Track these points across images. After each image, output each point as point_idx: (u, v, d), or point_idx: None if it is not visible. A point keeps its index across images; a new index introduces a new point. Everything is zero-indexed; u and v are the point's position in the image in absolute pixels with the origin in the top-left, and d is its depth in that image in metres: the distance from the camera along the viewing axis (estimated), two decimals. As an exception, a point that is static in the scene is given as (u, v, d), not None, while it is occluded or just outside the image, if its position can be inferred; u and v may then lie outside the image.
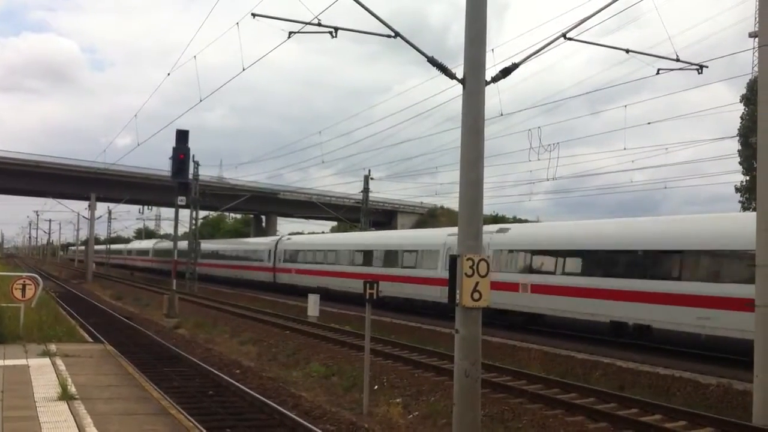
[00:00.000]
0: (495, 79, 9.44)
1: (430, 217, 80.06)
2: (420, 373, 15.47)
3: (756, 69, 13.71)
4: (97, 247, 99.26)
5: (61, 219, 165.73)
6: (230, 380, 14.33)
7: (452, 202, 70.56)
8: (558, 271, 21.29)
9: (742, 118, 43.02)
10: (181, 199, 34.12)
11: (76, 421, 8.43)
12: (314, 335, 21.65)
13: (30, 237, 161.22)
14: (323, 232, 77.16)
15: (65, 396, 9.63)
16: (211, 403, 12.51)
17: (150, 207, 73.96)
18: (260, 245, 48.20)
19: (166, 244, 67.37)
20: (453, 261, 8.83)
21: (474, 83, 8.87)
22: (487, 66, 9.06)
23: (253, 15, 10.45)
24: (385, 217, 78.51)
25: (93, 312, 30.10)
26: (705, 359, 16.63)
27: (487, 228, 20.24)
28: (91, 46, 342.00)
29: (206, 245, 57.88)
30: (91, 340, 18.02)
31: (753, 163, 34.59)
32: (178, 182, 31.15)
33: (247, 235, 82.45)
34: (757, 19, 13.00)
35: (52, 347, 14.52)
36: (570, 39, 10.07)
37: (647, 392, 13.40)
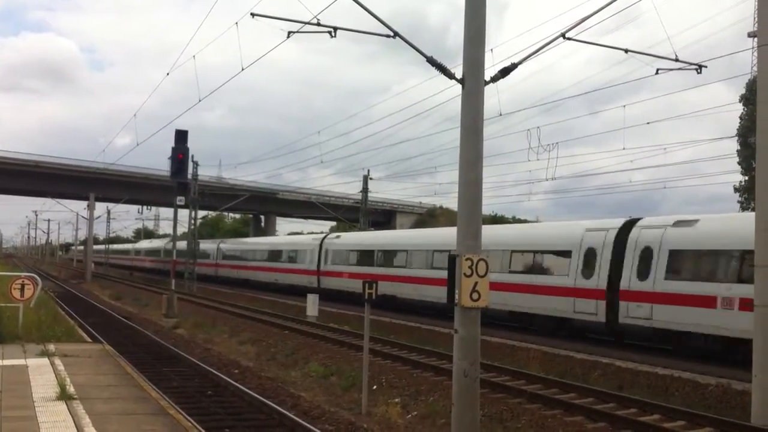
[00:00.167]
0: (494, 79, 9.44)
1: (429, 217, 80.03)
2: (419, 373, 15.47)
3: (755, 69, 13.71)
4: (99, 247, 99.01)
5: (60, 219, 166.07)
6: (229, 380, 14.32)
7: (451, 202, 70.63)
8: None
9: (741, 118, 43.06)
10: (180, 199, 34.10)
11: (74, 421, 8.43)
12: (313, 335, 21.65)
13: (29, 237, 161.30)
14: (321, 232, 77.13)
15: (64, 396, 9.62)
16: (210, 403, 12.50)
17: (149, 207, 73.99)
18: (301, 245, 42.09)
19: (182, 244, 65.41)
20: (452, 261, 8.83)
21: (473, 83, 8.87)
22: (486, 66, 9.06)
23: (253, 15, 10.45)
24: (384, 217, 78.49)
25: (92, 312, 30.09)
26: (704, 359, 16.63)
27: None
28: (91, 45, 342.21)
29: (230, 245, 55.69)
30: (89, 340, 18.01)
31: (752, 163, 34.65)
32: (177, 182, 31.14)
33: (246, 235, 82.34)
34: (756, 18, 13.01)
35: (51, 347, 14.52)
36: (569, 39, 10.07)
37: (646, 392, 13.41)
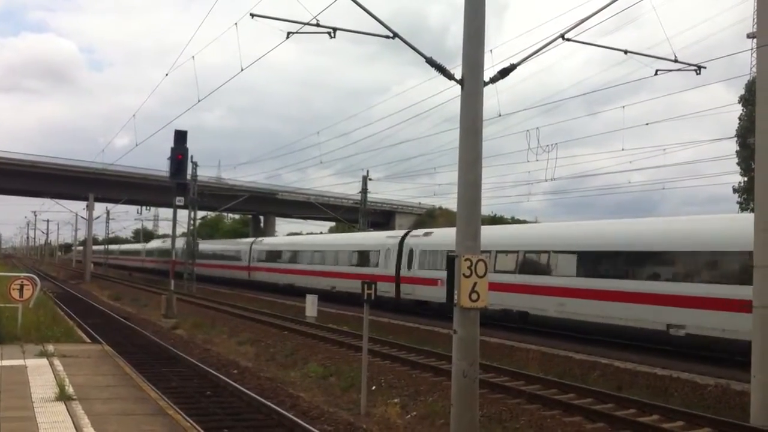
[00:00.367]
0: (493, 80, 9.44)
1: (428, 218, 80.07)
2: (418, 373, 15.47)
3: (754, 70, 13.72)
4: (108, 247, 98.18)
5: (59, 219, 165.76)
6: (228, 380, 14.32)
7: (451, 203, 70.65)
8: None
9: (740, 118, 43.07)
10: (180, 200, 34.10)
11: (73, 422, 8.42)
12: (312, 335, 21.65)
13: (28, 237, 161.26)
14: (321, 232, 77.13)
15: (63, 396, 9.62)
16: (209, 404, 12.50)
17: (148, 207, 74.00)
18: (372, 244, 33.43)
19: (207, 246, 59.32)
20: (451, 261, 8.83)
21: (472, 84, 8.88)
22: (485, 67, 9.07)
23: (252, 15, 10.44)
24: (383, 217, 78.55)
25: (91, 312, 30.07)
26: (703, 360, 16.64)
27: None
28: (90, 46, 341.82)
29: (270, 245, 47.58)
30: (88, 340, 18.00)
31: (751, 163, 34.67)
32: (176, 183, 31.13)
33: (246, 236, 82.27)
34: (756, 19, 13.02)
35: (50, 347, 14.51)
36: (568, 40, 10.07)
37: (645, 393, 13.41)
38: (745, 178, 42.99)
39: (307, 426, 10.56)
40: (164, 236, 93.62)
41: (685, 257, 18.08)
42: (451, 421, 8.95)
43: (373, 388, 13.85)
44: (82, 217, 73.31)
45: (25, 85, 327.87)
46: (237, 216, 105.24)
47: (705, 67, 11.88)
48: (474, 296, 8.64)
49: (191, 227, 49.76)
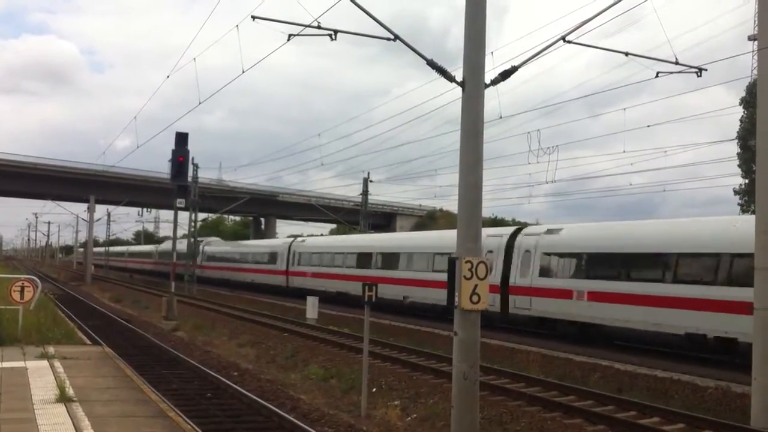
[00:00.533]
0: (494, 82, 9.46)
1: (429, 220, 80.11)
2: (418, 375, 15.46)
3: (755, 72, 13.73)
4: (114, 249, 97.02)
5: (60, 221, 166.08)
6: (228, 382, 14.31)
7: (451, 205, 70.65)
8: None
9: (741, 121, 43.11)
10: (180, 202, 34.12)
11: (74, 424, 8.42)
12: (313, 337, 21.64)
13: (29, 239, 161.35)
14: (321, 234, 77.11)
15: (63, 398, 9.62)
16: (210, 406, 12.49)
17: (149, 209, 74.06)
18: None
19: (225, 248, 56.58)
20: (452, 264, 8.84)
21: (473, 86, 8.88)
22: (486, 69, 9.08)
23: (253, 17, 10.45)
24: (384, 219, 78.62)
25: (92, 314, 30.07)
26: (703, 362, 16.63)
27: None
28: (91, 48, 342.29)
29: (315, 246, 40.01)
30: (89, 342, 17.99)
31: (752, 165, 34.66)
32: (177, 185, 31.16)
33: (247, 238, 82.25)
34: (757, 22, 13.02)
35: (51, 349, 14.51)
36: (569, 42, 10.09)
37: (645, 395, 13.40)
38: (746, 180, 43.02)
39: (307, 428, 10.55)
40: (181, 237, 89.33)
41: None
42: (451, 423, 8.95)
43: (374, 390, 13.84)
44: (83, 219, 73.34)
45: (26, 86, 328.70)
46: (238, 218, 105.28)
47: (706, 70, 11.89)
48: (475, 298, 8.65)
49: (192, 229, 49.75)
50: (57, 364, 12.78)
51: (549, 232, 23.21)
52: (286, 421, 11.11)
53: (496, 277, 23.08)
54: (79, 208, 76.15)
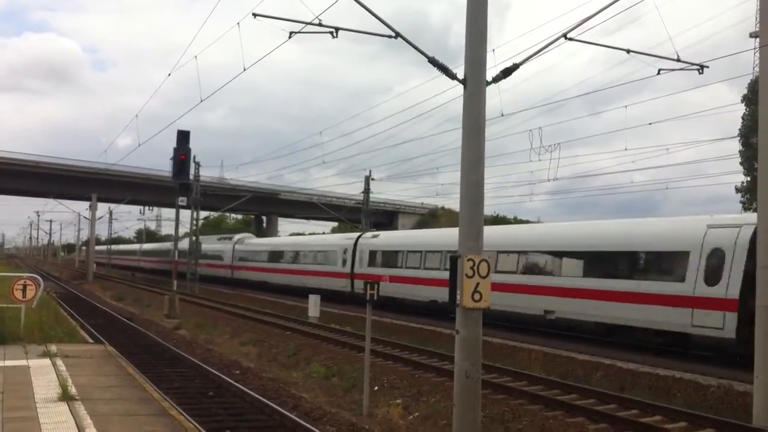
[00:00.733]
0: (496, 80, 9.44)
1: (431, 218, 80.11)
2: (420, 374, 15.46)
3: (757, 69, 13.69)
4: (123, 247, 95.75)
5: (62, 219, 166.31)
6: (230, 381, 14.32)
7: (453, 203, 70.52)
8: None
9: (743, 118, 43.00)
10: (182, 200, 34.15)
11: (76, 422, 8.43)
12: (315, 336, 21.65)
13: (30, 237, 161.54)
14: (323, 233, 77.08)
15: (65, 397, 9.62)
16: (212, 404, 12.50)
17: (151, 207, 74.11)
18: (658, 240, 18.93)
19: (263, 246, 48.64)
20: (453, 262, 8.83)
21: (475, 84, 8.87)
22: (488, 66, 9.07)
23: (254, 15, 10.45)
24: (386, 217, 78.61)
25: (94, 313, 30.11)
26: (705, 360, 16.61)
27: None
28: (93, 46, 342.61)
29: (394, 241, 32.37)
30: (91, 340, 18.01)
31: (754, 163, 34.58)
32: (178, 183, 31.18)
33: None
34: (758, 19, 12.98)
35: (53, 348, 14.52)
36: (571, 39, 10.06)
37: (648, 393, 13.39)
38: (748, 178, 42.93)
39: (309, 427, 10.56)
40: (225, 232, 76.66)
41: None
42: (453, 421, 8.94)
43: (376, 388, 13.84)
44: (84, 217, 73.48)
45: (28, 85, 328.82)
46: (239, 216, 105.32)
47: (707, 67, 11.86)
48: (476, 296, 8.64)
49: (194, 227, 49.74)
50: (59, 362, 12.79)
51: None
52: (288, 419, 11.12)
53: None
54: (81, 207, 76.42)
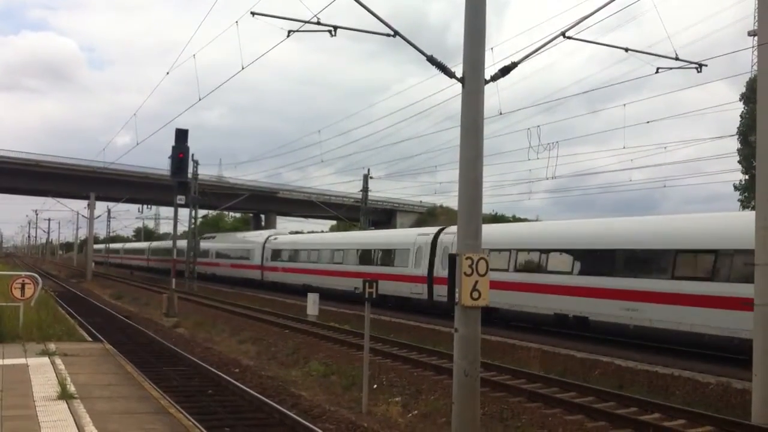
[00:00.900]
0: (494, 78, 9.45)
1: (429, 216, 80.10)
2: (419, 372, 15.47)
3: (755, 68, 13.71)
4: (131, 245, 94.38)
5: (61, 218, 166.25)
6: (229, 379, 14.33)
7: (452, 201, 70.66)
8: None
9: (741, 116, 43.04)
10: (181, 198, 34.14)
11: (75, 420, 8.43)
12: (314, 334, 21.65)
13: (29, 236, 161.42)
14: (322, 231, 76.99)
15: (64, 395, 9.62)
16: (211, 402, 12.51)
17: (149, 206, 74.04)
18: None
19: (308, 243, 40.88)
20: (452, 260, 8.84)
21: (473, 82, 8.87)
22: (486, 65, 9.08)
23: (253, 14, 10.45)
24: (384, 216, 78.58)
25: (92, 311, 30.10)
26: (704, 358, 16.63)
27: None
28: (91, 44, 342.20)
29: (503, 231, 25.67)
30: (90, 339, 18.02)
31: (752, 161, 34.62)
32: (177, 181, 31.19)
33: None
34: (757, 17, 13.01)
35: (52, 346, 14.52)
36: (569, 38, 10.08)
37: (646, 391, 13.41)
38: (747, 176, 42.97)
39: (308, 425, 10.56)
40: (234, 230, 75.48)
41: None
42: (452, 419, 8.95)
43: (375, 386, 13.86)
44: (83, 216, 73.37)
45: (26, 83, 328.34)
46: (238, 214, 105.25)
47: (706, 65, 11.88)
48: (475, 294, 8.65)
49: (192, 226, 49.73)
50: (58, 361, 12.78)
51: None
52: (288, 417, 11.12)
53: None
54: (80, 205, 76.34)
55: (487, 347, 15.50)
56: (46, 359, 12.91)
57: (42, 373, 11.54)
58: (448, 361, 13.85)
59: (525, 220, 64.21)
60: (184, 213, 52.01)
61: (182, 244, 54.58)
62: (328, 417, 11.71)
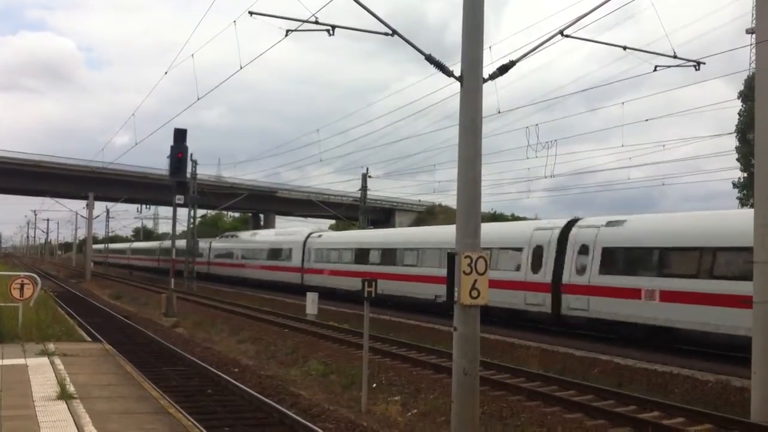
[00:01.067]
0: (492, 77, 9.45)
1: (428, 215, 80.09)
2: (418, 370, 15.48)
3: (753, 65, 13.72)
4: (145, 245, 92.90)
5: (59, 218, 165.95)
6: (229, 379, 14.33)
7: (450, 200, 70.66)
8: None
9: (739, 114, 43.09)
10: (179, 198, 34.11)
11: (74, 421, 8.43)
12: (313, 333, 21.65)
13: (27, 236, 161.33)
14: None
15: (64, 395, 9.63)
16: (210, 402, 12.51)
17: (148, 206, 74.00)
18: None
19: (348, 237, 37.94)
20: (451, 259, 8.84)
21: (471, 81, 8.87)
22: (484, 63, 9.07)
23: (251, 13, 10.45)
24: (383, 215, 78.56)
25: (91, 311, 30.09)
26: (703, 356, 16.64)
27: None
28: (89, 44, 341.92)
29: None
30: (89, 339, 18.02)
31: (750, 159, 34.65)
32: (176, 181, 31.15)
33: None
34: (755, 15, 13.01)
35: (51, 346, 14.52)
36: (567, 36, 10.09)
37: (645, 389, 13.43)
38: (745, 174, 43.02)
39: (308, 424, 10.56)
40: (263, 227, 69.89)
41: None
42: (451, 418, 8.96)
43: (374, 385, 13.86)
44: (81, 216, 73.35)
45: (24, 83, 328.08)
46: (237, 214, 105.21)
47: (704, 63, 11.90)
48: (474, 293, 8.65)
49: (191, 225, 49.70)
50: (57, 361, 12.78)
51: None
52: (287, 416, 11.12)
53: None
54: (78, 205, 76.24)
55: (486, 346, 15.50)
56: (45, 359, 12.91)
57: (41, 373, 11.54)
58: (448, 359, 13.84)
59: (524, 218, 64.23)
60: (183, 213, 51.96)
61: (203, 246, 53.68)
62: (327, 416, 11.71)
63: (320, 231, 43.24)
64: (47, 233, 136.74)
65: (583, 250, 20.16)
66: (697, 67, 11.84)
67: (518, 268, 22.17)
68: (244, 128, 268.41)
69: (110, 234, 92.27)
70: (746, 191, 43.04)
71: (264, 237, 48.42)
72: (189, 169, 40.39)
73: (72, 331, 18.22)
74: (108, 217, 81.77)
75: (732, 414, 11.27)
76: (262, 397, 12.48)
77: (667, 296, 17.63)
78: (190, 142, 29.12)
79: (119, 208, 79.73)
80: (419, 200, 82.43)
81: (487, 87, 9.07)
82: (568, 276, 20.41)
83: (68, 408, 9.08)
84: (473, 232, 8.87)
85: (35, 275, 18.47)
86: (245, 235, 54.00)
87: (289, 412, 11.33)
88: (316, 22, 9.96)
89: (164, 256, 62.85)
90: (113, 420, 8.58)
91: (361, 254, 32.80)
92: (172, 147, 27.54)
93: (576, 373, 15.07)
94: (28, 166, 61.32)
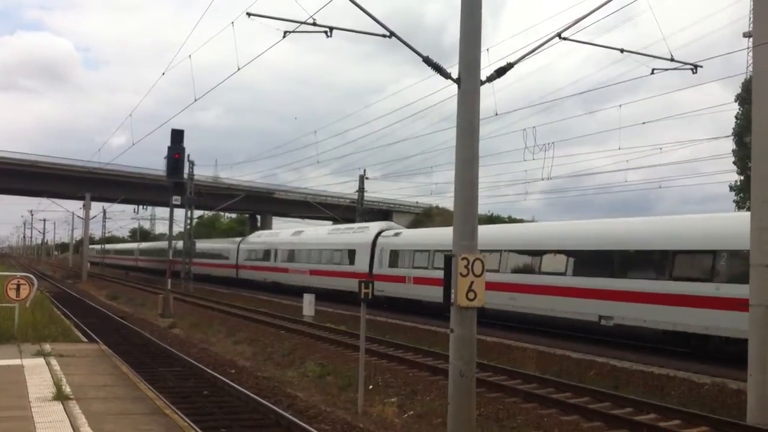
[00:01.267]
0: (490, 79, 9.47)
1: (425, 217, 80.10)
2: (415, 372, 15.48)
3: (750, 69, 13.75)
4: (154, 245, 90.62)
5: (56, 219, 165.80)
6: (225, 380, 14.30)
7: (448, 202, 70.60)
8: None
9: (737, 117, 43.20)
10: (176, 199, 34.08)
11: (70, 421, 8.41)
12: (310, 335, 21.64)
13: (24, 237, 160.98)
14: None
15: (60, 396, 9.61)
16: (207, 403, 12.48)
17: (145, 206, 73.91)
18: None
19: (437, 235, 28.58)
20: (448, 261, 8.85)
21: (469, 83, 8.89)
22: (482, 66, 9.09)
23: (249, 14, 10.45)
24: (380, 216, 78.48)
25: (88, 312, 30.02)
26: (699, 358, 16.66)
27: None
28: (86, 44, 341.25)
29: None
30: (85, 340, 17.98)
31: (747, 162, 34.71)
32: (173, 182, 31.12)
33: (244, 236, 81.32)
34: (752, 18, 13.05)
35: (47, 347, 14.49)
36: (565, 39, 10.10)
37: (641, 391, 13.44)
38: (742, 177, 43.10)
39: (304, 425, 10.55)
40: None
41: None
42: (448, 419, 8.96)
43: (371, 387, 13.86)
44: (78, 216, 73.24)
45: (21, 84, 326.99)
46: (234, 215, 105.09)
47: (701, 66, 11.92)
48: (471, 295, 8.66)
49: (188, 226, 49.63)
50: (53, 361, 12.76)
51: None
52: (283, 418, 11.11)
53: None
54: (75, 206, 76.06)
55: (482, 348, 15.52)
56: (41, 360, 12.88)
57: (37, 373, 11.52)
58: (444, 361, 13.84)
59: (521, 221, 64.28)
60: (179, 213, 51.83)
61: (226, 246, 50.51)
62: (323, 418, 11.70)
63: (391, 227, 34.71)
64: (44, 234, 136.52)
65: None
66: (694, 70, 11.86)
67: (659, 273, 18.03)
68: (242, 129, 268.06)
69: (107, 234, 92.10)
70: (743, 194, 43.13)
71: (314, 236, 40.57)
72: (186, 170, 40.33)
73: (68, 332, 18.18)
74: (105, 217, 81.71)
75: (728, 416, 11.29)
76: (259, 399, 12.46)
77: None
78: (187, 143, 29.17)
79: (116, 208, 79.60)
80: (416, 202, 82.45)
81: (484, 89, 9.11)
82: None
83: (64, 409, 9.06)
84: (470, 234, 8.88)
85: (32, 276, 18.44)
86: (285, 233, 45.84)
87: (285, 414, 11.31)
88: (314, 24, 9.97)
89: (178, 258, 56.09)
90: (109, 421, 8.57)
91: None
92: (169, 148, 27.54)
93: (572, 375, 15.08)
94: (25, 166, 61.23)
